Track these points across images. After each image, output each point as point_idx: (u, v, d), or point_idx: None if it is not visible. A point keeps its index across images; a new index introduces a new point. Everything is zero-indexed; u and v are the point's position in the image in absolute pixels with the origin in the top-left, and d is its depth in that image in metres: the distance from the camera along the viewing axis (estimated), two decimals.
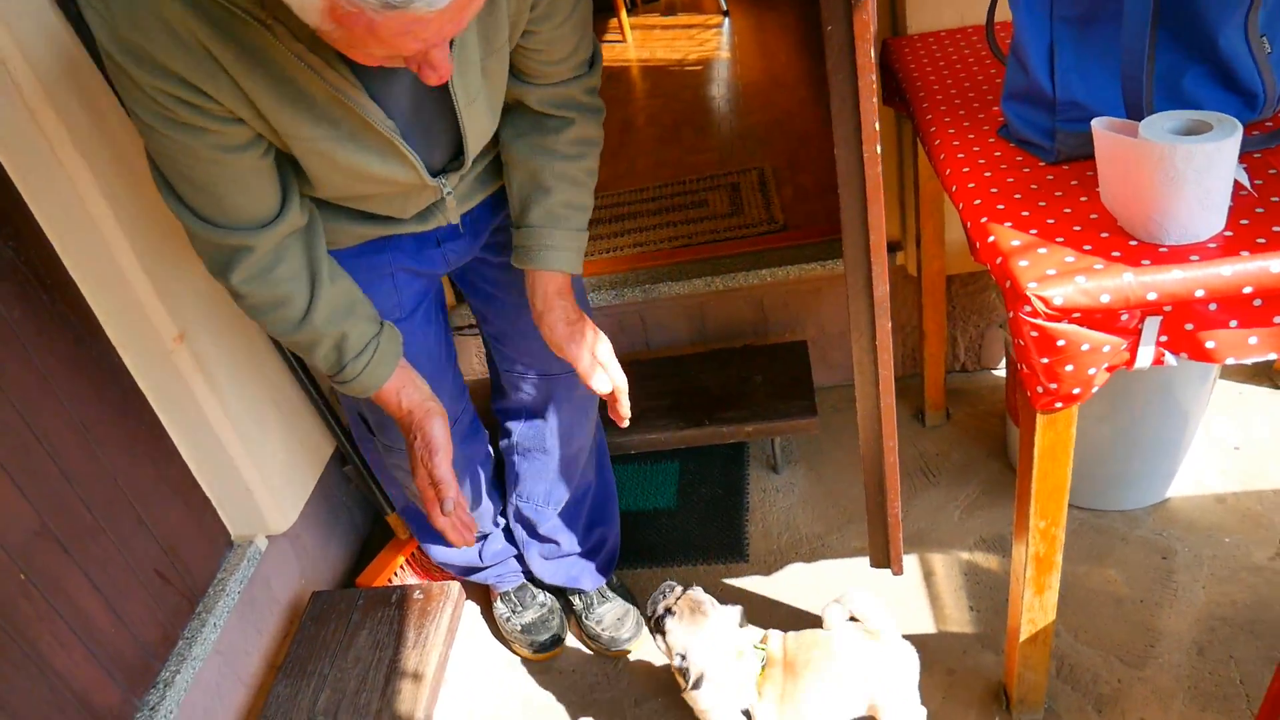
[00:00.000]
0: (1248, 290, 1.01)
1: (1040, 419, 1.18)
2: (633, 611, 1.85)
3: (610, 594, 1.88)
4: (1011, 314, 1.08)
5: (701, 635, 1.43)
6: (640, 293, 2.21)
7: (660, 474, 2.22)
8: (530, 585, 1.90)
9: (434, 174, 1.18)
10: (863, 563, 1.91)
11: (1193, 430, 1.81)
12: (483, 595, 1.99)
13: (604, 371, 1.33)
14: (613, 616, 1.85)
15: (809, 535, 2.00)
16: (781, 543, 2.00)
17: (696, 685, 1.42)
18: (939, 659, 1.70)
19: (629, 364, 2.20)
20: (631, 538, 2.03)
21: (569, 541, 1.79)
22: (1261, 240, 1.03)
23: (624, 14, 4.15)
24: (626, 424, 1.37)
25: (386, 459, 1.56)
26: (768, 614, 1.85)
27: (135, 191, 1.40)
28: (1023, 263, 1.08)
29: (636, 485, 2.20)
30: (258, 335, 1.69)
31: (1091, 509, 1.91)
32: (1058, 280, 1.04)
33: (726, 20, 4.13)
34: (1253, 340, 1.07)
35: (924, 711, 1.49)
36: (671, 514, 2.11)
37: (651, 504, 2.15)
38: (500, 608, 1.90)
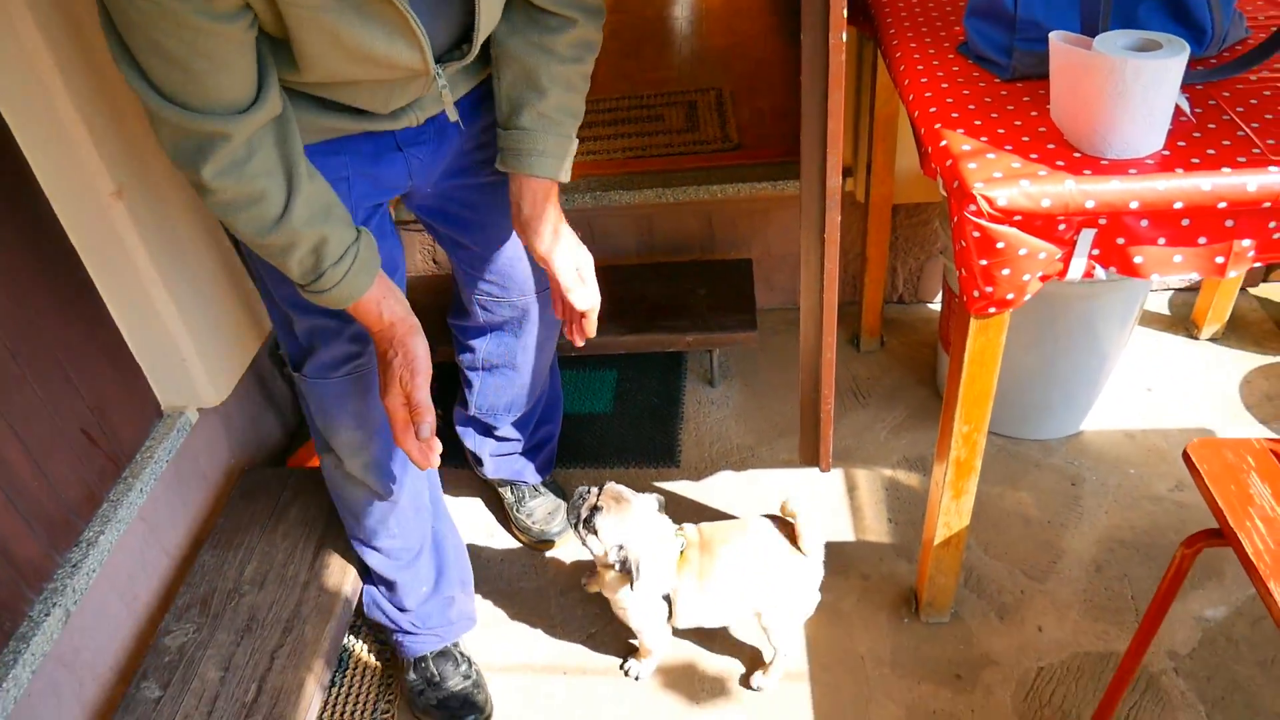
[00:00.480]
0: (1178, 205, 1.06)
1: (973, 324, 1.23)
2: (562, 507, 1.89)
3: (542, 489, 1.91)
4: (956, 216, 1.12)
5: (630, 525, 1.46)
6: (590, 199, 2.20)
7: (598, 380, 2.24)
8: (453, 651, 1.65)
9: (435, 59, 1.08)
10: (790, 473, 1.98)
11: (1109, 369, 1.90)
12: None
13: (584, 288, 1.30)
14: (543, 510, 1.88)
15: (739, 446, 2.06)
16: (712, 451, 2.05)
17: (635, 575, 1.43)
18: (855, 565, 1.77)
19: None
20: (568, 439, 2.05)
21: (517, 439, 1.82)
22: (1195, 160, 1.07)
23: None
24: (583, 344, 1.37)
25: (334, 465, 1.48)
26: (696, 517, 1.89)
27: (77, 36, 1.34)
28: (971, 165, 1.11)
29: (575, 390, 2.22)
30: (200, 203, 1.64)
31: (1010, 436, 2.00)
32: (1003, 183, 1.08)
33: None
34: (1177, 259, 1.13)
35: (816, 598, 1.55)
36: (607, 418, 2.14)
37: (588, 408, 2.17)
38: (412, 677, 1.64)
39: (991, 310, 1.20)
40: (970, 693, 1.56)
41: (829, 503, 1.89)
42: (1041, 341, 1.82)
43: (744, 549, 1.50)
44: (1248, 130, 1.11)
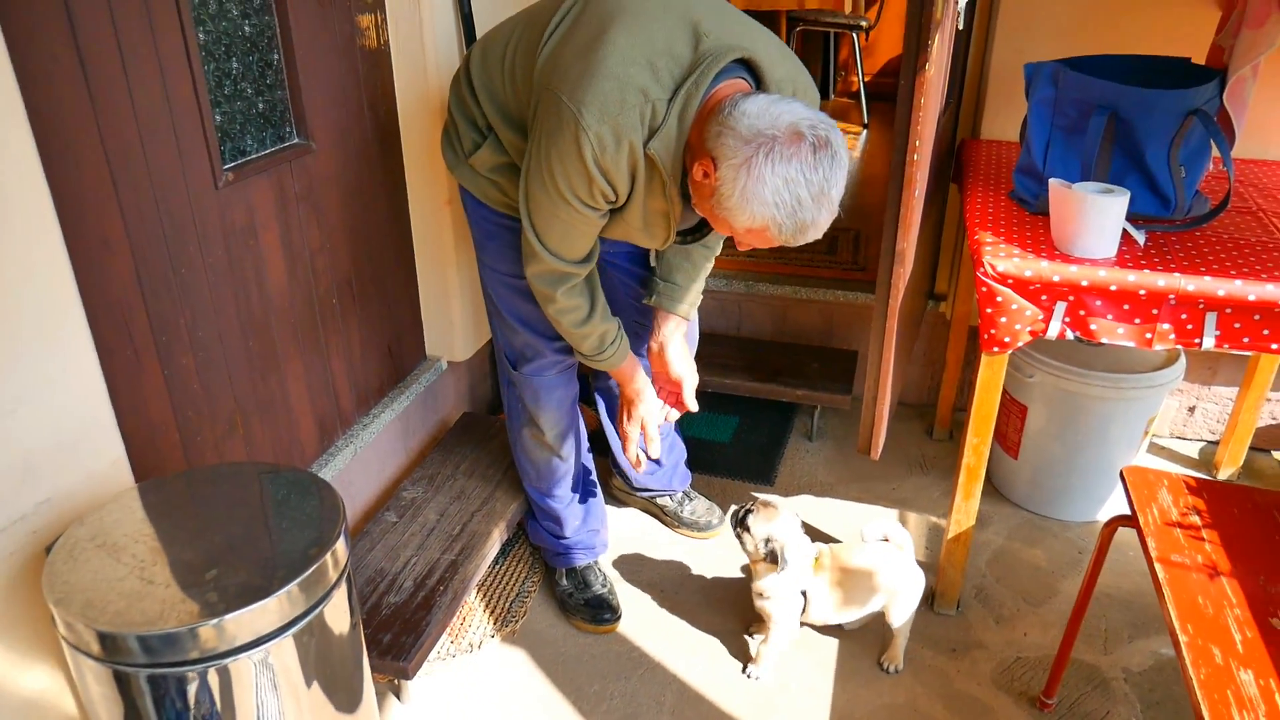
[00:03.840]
0: (1113, 288, 1.68)
1: (984, 359, 1.85)
2: (715, 506, 2.46)
3: (694, 494, 2.48)
4: (976, 273, 1.77)
5: (778, 524, 1.91)
6: (743, 286, 2.94)
7: (724, 421, 2.90)
8: (595, 566, 2.23)
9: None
10: (855, 506, 2.55)
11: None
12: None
13: (680, 394, 1.97)
14: (703, 508, 2.45)
15: (822, 482, 2.65)
16: (800, 481, 2.65)
17: (782, 559, 1.85)
18: None
19: (724, 339, 2.93)
20: (695, 457, 2.69)
21: (664, 457, 2.37)
22: (1131, 266, 1.69)
23: None
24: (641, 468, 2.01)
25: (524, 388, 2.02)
26: None
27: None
28: (988, 247, 1.77)
29: (706, 425, 2.88)
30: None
31: (1037, 513, 2.51)
32: (1004, 259, 1.73)
33: (865, 131, 4.93)
34: (1120, 330, 1.73)
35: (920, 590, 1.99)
36: (726, 447, 2.79)
37: (714, 438, 2.82)
38: (565, 584, 2.20)
39: (995, 349, 1.81)
40: (959, 660, 2.06)
41: None
42: (1064, 434, 2.37)
43: (868, 558, 1.95)
44: (1174, 256, 1.73)
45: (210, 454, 1.73)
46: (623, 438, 1.95)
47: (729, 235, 1.53)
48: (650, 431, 1.90)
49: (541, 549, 2.28)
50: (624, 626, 2.15)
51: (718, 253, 1.94)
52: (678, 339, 1.93)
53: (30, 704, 1.35)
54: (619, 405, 1.94)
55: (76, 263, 1.33)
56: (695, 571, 2.32)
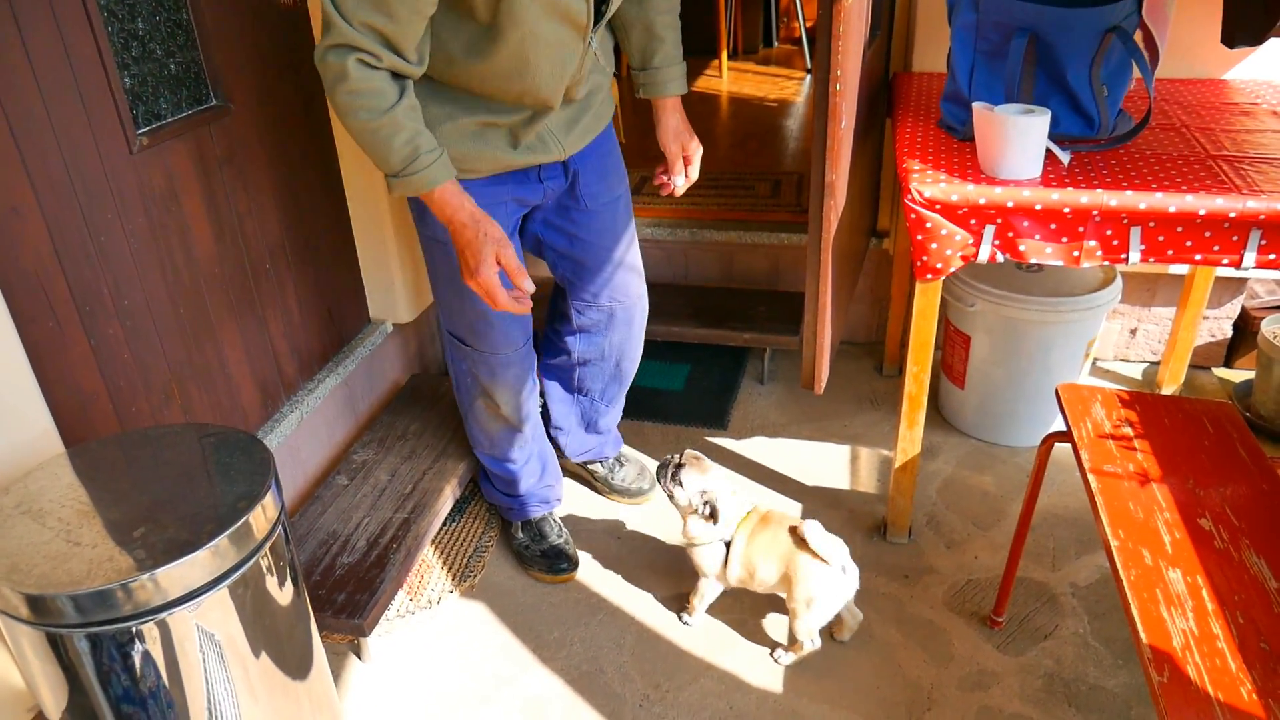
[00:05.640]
0: (1038, 207, 1.69)
1: (918, 286, 1.87)
2: (646, 470, 2.43)
3: (626, 458, 2.44)
4: (903, 204, 1.78)
5: (711, 477, 1.89)
6: (688, 234, 2.93)
7: (675, 369, 2.91)
8: (550, 518, 2.21)
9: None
10: (808, 444, 2.58)
11: None
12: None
13: (683, 174, 1.86)
14: (633, 473, 2.41)
15: (774, 422, 2.68)
16: (753, 424, 2.68)
17: (714, 514, 1.84)
18: (844, 503, 2.35)
19: (672, 287, 2.92)
20: (649, 405, 2.72)
21: (602, 423, 2.32)
22: (1055, 184, 1.71)
23: (724, 57, 4.96)
24: (667, 193, 1.88)
25: (477, 365, 1.91)
26: (735, 464, 2.51)
27: None
28: (914, 173, 1.78)
29: (657, 373, 2.89)
30: None
31: (985, 440, 2.56)
32: (930, 184, 1.74)
33: (809, 77, 4.91)
34: (1048, 250, 1.75)
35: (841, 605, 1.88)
36: (678, 394, 2.80)
37: (666, 386, 2.83)
38: (521, 536, 2.18)
39: (929, 276, 1.83)
40: (912, 586, 2.10)
41: (835, 465, 2.48)
42: (1006, 359, 2.40)
43: (786, 541, 1.83)
44: (1098, 174, 1.75)
45: (147, 423, 1.71)
46: (491, 290, 1.52)
47: None
48: (517, 264, 1.52)
49: (497, 506, 2.27)
50: (580, 574, 2.16)
51: (678, 9, 1.82)
52: (681, 118, 1.87)
53: None
54: (477, 254, 1.51)
55: None
56: (633, 528, 2.34)
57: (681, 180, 1.88)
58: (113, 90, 1.57)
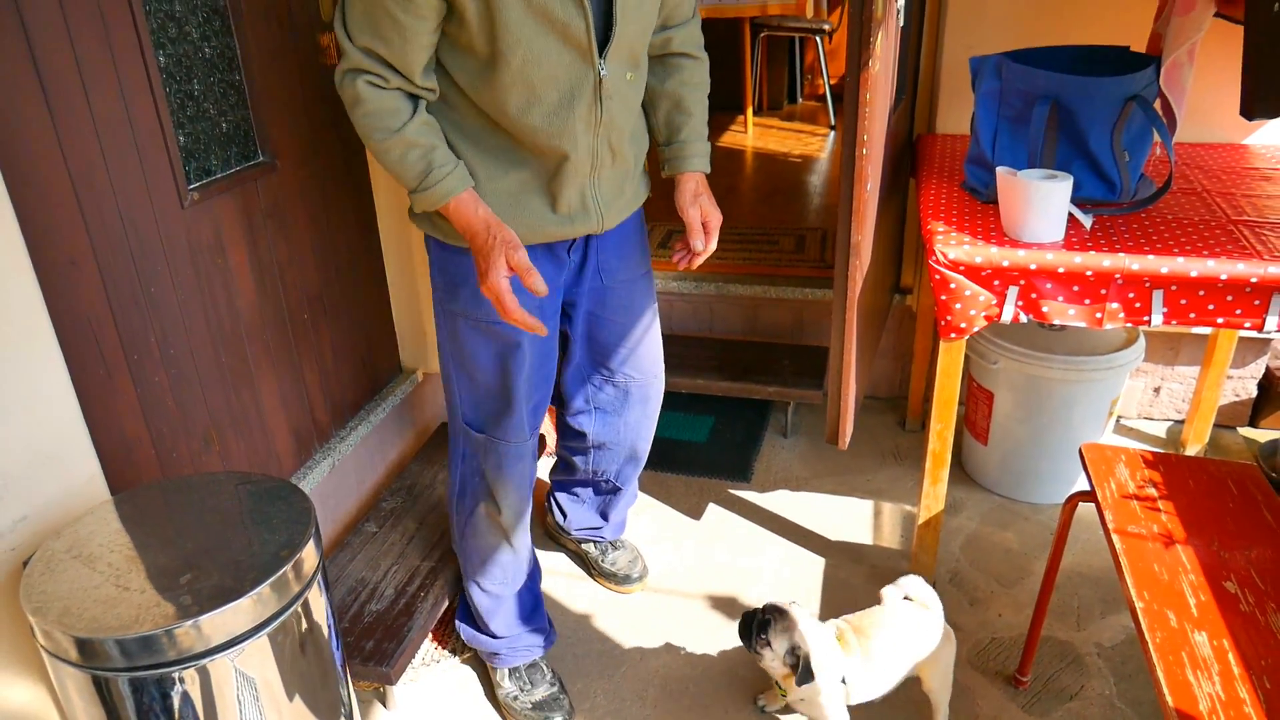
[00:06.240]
0: (1061, 270, 1.73)
1: (942, 345, 1.90)
2: (640, 559, 2.30)
3: (623, 543, 2.31)
4: (927, 265, 1.81)
5: (799, 631, 1.70)
6: (713, 288, 2.98)
7: (700, 421, 2.94)
8: (540, 664, 1.98)
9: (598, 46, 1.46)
10: (831, 499, 2.59)
11: None
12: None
13: (701, 239, 1.74)
14: (626, 559, 2.28)
15: (797, 476, 2.69)
16: (776, 477, 2.69)
17: (813, 673, 1.65)
18: (867, 559, 2.35)
19: (696, 340, 2.95)
20: (672, 457, 2.75)
21: (613, 513, 2.23)
22: (1078, 248, 1.75)
23: (750, 113, 5.06)
24: (684, 266, 1.77)
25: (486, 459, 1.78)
26: (758, 518, 2.52)
27: None
28: (939, 235, 1.82)
29: (681, 425, 2.92)
30: None
31: (1008, 497, 2.56)
32: (954, 246, 1.78)
33: (833, 133, 5.00)
34: (1071, 311, 1.78)
35: (950, 679, 1.83)
36: (701, 446, 2.82)
37: (690, 438, 2.86)
38: (508, 686, 1.95)
39: (953, 335, 1.86)
40: None
41: (860, 519, 2.49)
42: (1030, 416, 2.42)
43: (893, 623, 1.77)
44: (1120, 238, 1.78)
45: (186, 469, 1.76)
46: (502, 296, 1.46)
47: None
48: (527, 262, 1.45)
49: (478, 651, 2.02)
50: (601, 623, 2.18)
51: (708, 80, 1.78)
52: (705, 192, 1.77)
53: (13, 718, 1.37)
54: (488, 259, 1.47)
55: (44, 281, 1.36)
56: (661, 582, 2.36)
57: (700, 245, 1.75)
58: (168, 148, 1.64)
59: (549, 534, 2.43)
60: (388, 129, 1.43)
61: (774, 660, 1.72)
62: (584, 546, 2.32)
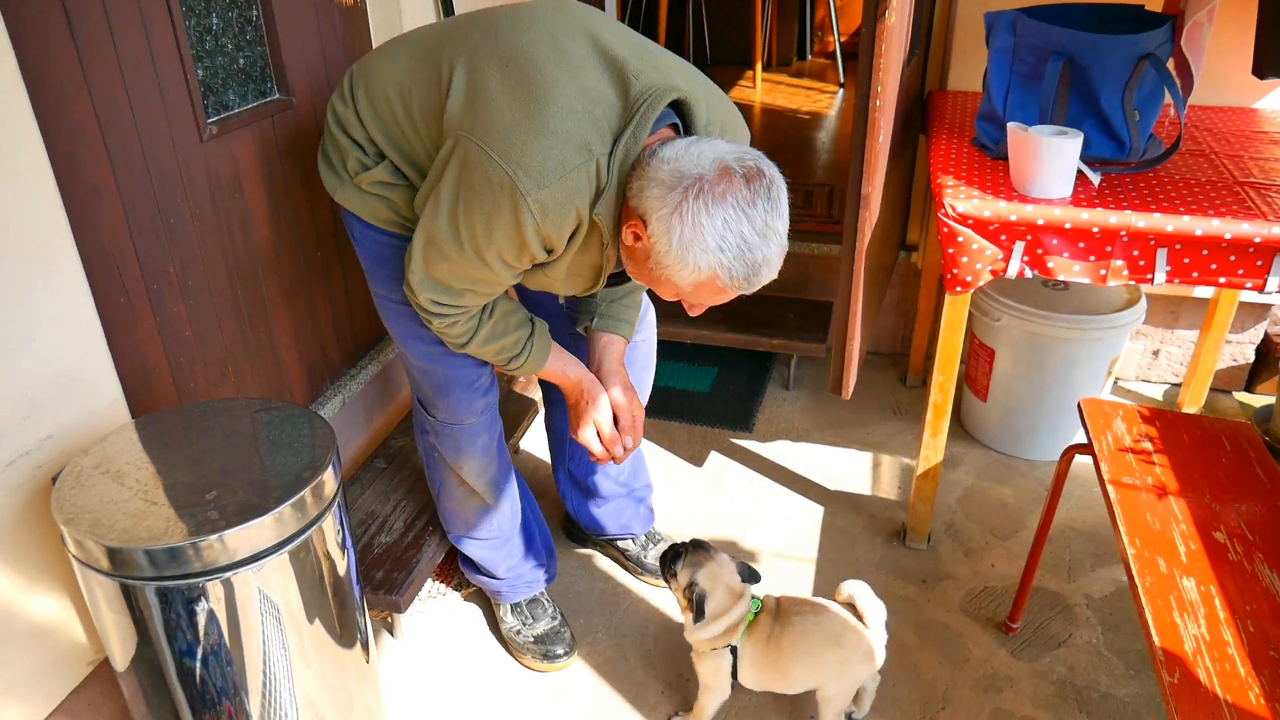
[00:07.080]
0: (1068, 226, 1.75)
1: (947, 298, 1.92)
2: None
3: (659, 535, 2.23)
4: (936, 218, 1.84)
5: (704, 571, 1.68)
6: None
7: (702, 372, 2.97)
8: (542, 599, 2.02)
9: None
10: (830, 450, 2.63)
11: None
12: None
13: (620, 446, 1.68)
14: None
15: (798, 427, 2.74)
16: (777, 428, 2.73)
17: (701, 606, 1.64)
18: (865, 508, 2.40)
19: None
20: (676, 406, 2.78)
21: (625, 493, 2.15)
22: (1085, 204, 1.77)
23: (759, 68, 5.03)
24: (605, 462, 1.70)
25: (440, 436, 1.78)
26: (759, 467, 2.57)
27: None
28: (948, 189, 1.84)
29: (684, 376, 2.95)
30: None
31: (1006, 453, 2.61)
32: (963, 199, 1.80)
33: (841, 90, 4.98)
34: (1076, 268, 1.81)
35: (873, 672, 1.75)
36: (704, 396, 2.86)
37: (693, 387, 2.90)
38: (511, 620, 1.99)
39: (959, 289, 1.89)
40: (929, 590, 2.15)
41: (858, 472, 2.54)
42: (1030, 374, 2.45)
43: (816, 626, 1.70)
44: (1127, 196, 1.81)
45: (204, 398, 1.79)
46: (588, 445, 1.66)
47: (675, 299, 1.37)
48: (605, 432, 1.64)
49: (480, 587, 2.06)
50: (603, 563, 2.23)
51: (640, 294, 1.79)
52: (620, 367, 1.73)
53: (40, 630, 1.42)
54: (577, 415, 1.66)
55: (70, 209, 1.38)
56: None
57: (627, 446, 1.70)
58: (188, 81, 1.65)
59: (569, 536, 2.34)
60: (461, 343, 1.53)
61: (678, 591, 1.71)
62: (620, 545, 2.22)
